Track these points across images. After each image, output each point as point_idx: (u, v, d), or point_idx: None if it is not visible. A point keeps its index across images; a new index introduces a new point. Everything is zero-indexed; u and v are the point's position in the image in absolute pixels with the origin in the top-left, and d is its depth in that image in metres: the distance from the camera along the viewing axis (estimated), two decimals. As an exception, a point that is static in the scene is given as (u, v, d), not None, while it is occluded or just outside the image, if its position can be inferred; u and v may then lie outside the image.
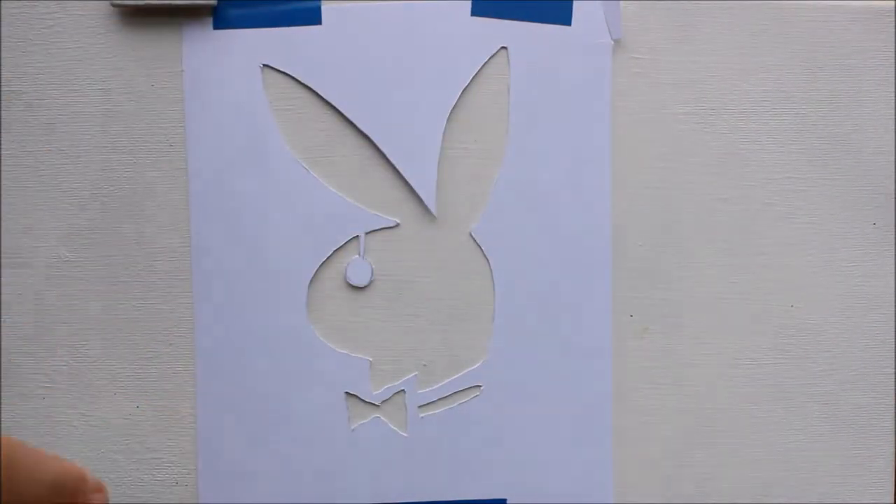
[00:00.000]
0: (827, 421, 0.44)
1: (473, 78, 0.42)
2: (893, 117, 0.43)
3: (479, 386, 0.43)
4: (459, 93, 0.42)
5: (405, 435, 0.43)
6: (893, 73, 0.43)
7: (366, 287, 0.43)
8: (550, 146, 0.42)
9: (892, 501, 0.45)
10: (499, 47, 0.42)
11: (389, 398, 0.43)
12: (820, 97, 0.43)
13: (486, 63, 0.42)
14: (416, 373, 0.43)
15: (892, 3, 0.43)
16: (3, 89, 0.42)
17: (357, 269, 0.43)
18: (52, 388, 0.43)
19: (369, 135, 0.42)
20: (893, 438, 0.44)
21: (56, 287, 0.42)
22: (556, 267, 0.43)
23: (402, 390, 0.43)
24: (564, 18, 0.42)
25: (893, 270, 0.44)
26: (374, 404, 0.43)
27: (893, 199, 0.43)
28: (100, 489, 0.29)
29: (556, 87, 0.42)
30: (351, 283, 0.43)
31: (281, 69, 0.42)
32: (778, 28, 0.43)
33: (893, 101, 0.43)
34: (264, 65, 0.42)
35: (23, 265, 0.42)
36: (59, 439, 0.43)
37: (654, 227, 0.43)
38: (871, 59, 0.43)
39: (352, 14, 0.42)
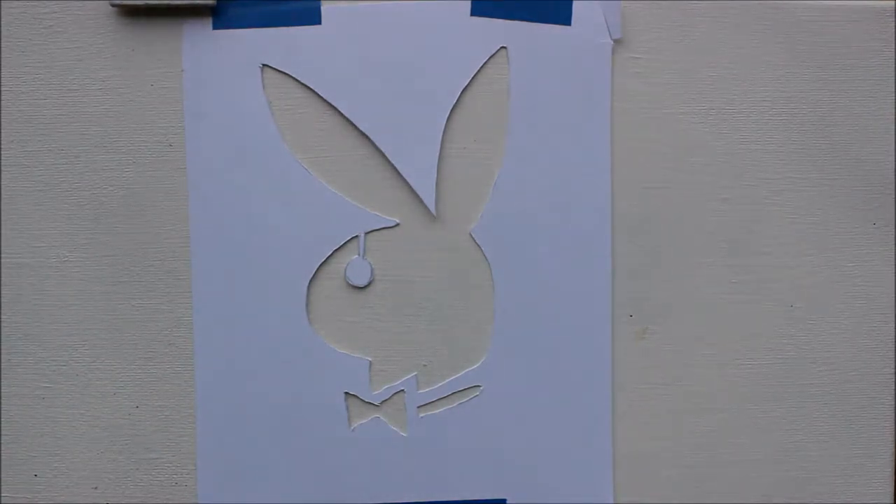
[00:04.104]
0: (827, 421, 0.44)
1: (473, 78, 0.42)
2: (893, 117, 0.43)
3: (479, 386, 0.43)
4: (459, 93, 0.42)
5: (405, 435, 0.43)
6: (893, 73, 0.43)
7: (366, 287, 0.43)
8: (550, 146, 0.42)
9: (893, 501, 0.45)
10: (499, 47, 0.42)
11: (389, 398, 0.43)
12: (820, 97, 0.43)
13: (486, 63, 0.42)
14: (416, 373, 0.43)
15: (892, 3, 0.43)
16: (3, 89, 0.42)
17: (357, 269, 0.43)
18: (52, 388, 0.43)
19: (369, 135, 0.42)
20: (893, 438, 0.44)
21: (56, 287, 0.42)
22: (556, 267, 0.43)
23: (402, 390, 0.43)
24: (564, 18, 0.42)
25: (893, 270, 0.44)
26: (373, 404, 0.43)
27: (893, 199, 0.43)
28: None
29: (556, 87, 0.42)
30: (351, 283, 0.43)
31: (281, 69, 0.42)
32: (778, 28, 0.43)
33: (893, 101, 0.43)
34: (264, 65, 0.42)
35: (23, 265, 0.42)
36: (58, 439, 0.43)
37: (655, 226, 0.43)
38: (871, 59, 0.43)
39: (352, 14, 0.42)
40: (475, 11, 0.42)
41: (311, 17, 0.42)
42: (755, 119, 0.43)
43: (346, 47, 0.42)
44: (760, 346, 0.44)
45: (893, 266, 0.44)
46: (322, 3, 0.42)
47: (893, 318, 0.44)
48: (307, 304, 0.43)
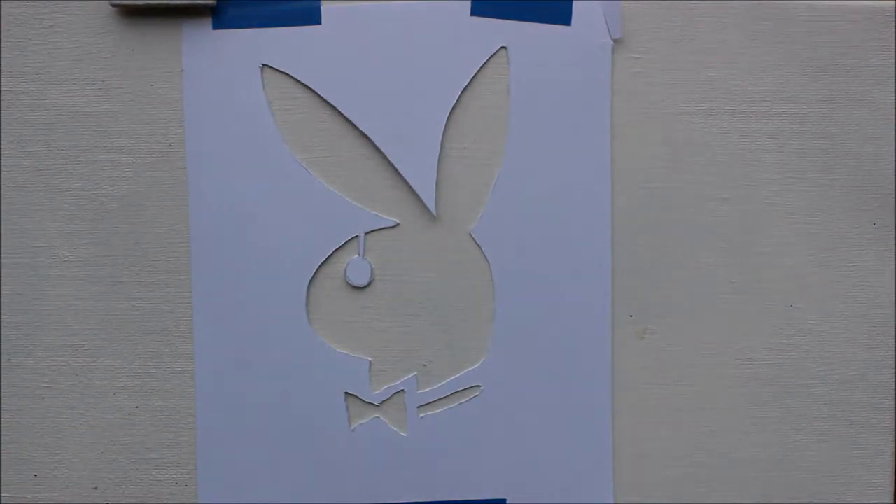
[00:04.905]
0: (827, 421, 0.44)
1: (473, 78, 0.42)
2: (893, 117, 0.43)
3: (479, 386, 0.43)
4: (459, 93, 0.42)
5: (405, 435, 0.43)
6: (893, 73, 0.43)
7: (366, 287, 0.43)
8: (550, 146, 0.42)
9: (893, 501, 0.45)
10: (499, 47, 0.42)
11: (389, 398, 0.43)
12: (820, 97, 0.43)
13: (486, 63, 0.42)
14: (416, 373, 0.43)
15: (892, 3, 0.43)
16: (3, 89, 0.42)
17: (357, 269, 0.43)
18: (52, 388, 0.43)
19: (369, 135, 0.42)
20: (893, 438, 0.44)
21: (56, 287, 0.42)
22: (556, 267, 0.43)
23: (402, 390, 0.43)
24: (564, 18, 0.42)
25: (893, 270, 0.44)
26: (373, 404, 0.43)
27: (893, 199, 0.44)
28: None
29: (556, 87, 0.42)
30: (351, 283, 0.43)
31: (281, 69, 0.42)
32: (778, 28, 0.43)
33: (893, 101, 0.43)
34: (264, 65, 0.42)
35: (23, 265, 0.42)
36: (58, 439, 0.43)
37: (654, 227, 0.43)
38: (871, 59, 0.43)
39: (352, 14, 0.42)
40: (475, 11, 0.42)
41: (311, 17, 0.42)
42: (755, 119, 0.43)
43: (346, 47, 0.42)
44: (760, 346, 0.44)
45: (893, 266, 0.44)
46: (322, 3, 0.42)
47: (893, 318, 0.44)
48: (307, 304, 0.43)
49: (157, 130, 0.42)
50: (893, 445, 0.44)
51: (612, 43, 0.42)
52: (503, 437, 0.43)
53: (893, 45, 0.43)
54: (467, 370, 0.43)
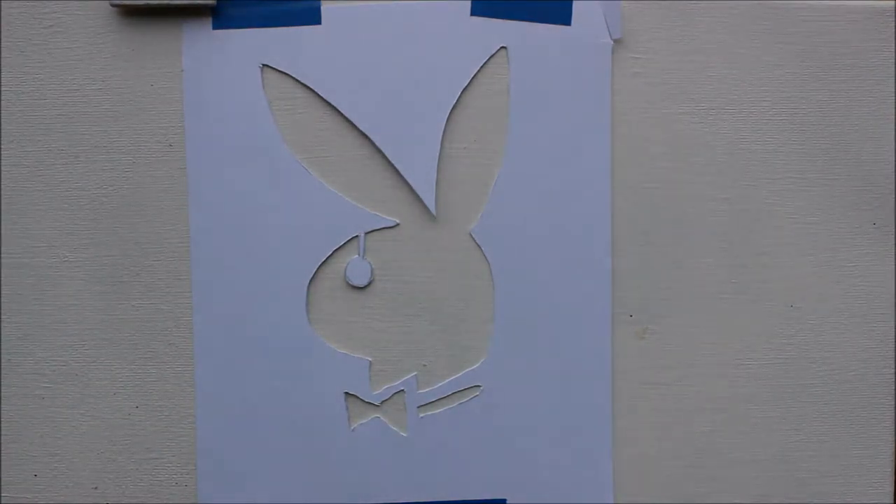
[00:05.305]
0: (827, 421, 0.44)
1: (473, 78, 0.42)
2: (893, 117, 0.43)
3: (479, 386, 0.43)
4: (459, 93, 0.42)
5: (405, 435, 0.43)
6: (893, 73, 0.43)
7: (366, 287, 0.43)
8: (550, 146, 0.42)
9: (893, 502, 0.45)
10: (499, 47, 0.42)
11: (389, 398, 0.43)
12: (820, 97, 0.43)
13: (486, 63, 0.42)
14: (416, 373, 0.43)
15: (892, 3, 0.43)
16: (3, 89, 0.42)
17: (357, 268, 0.43)
18: (52, 388, 0.43)
19: (369, 135, 0.42)
20: (893, 438, 0.44)
21: (56, 287, 0.42)
22: (556, 267, 0.43)
23: (402, 390, 0.43)
24: (564, 18, 0.42)
25: (893, 270, 0.44)
26: (373, 404, 0.43)
27: (893, 199, 0.43)
28: None
29: (556, 87, 0.42)
30: (351, 283, 0.43)
31: (281, 69, 0.42)
32: (778, 28, 0.43)
33: (893, 101, 0.43)
34: (264, 65, 0.42)
35: (23, 265, 0.42)
36: (58, 439, 0.43)
37: (654, 226, 0.43)
38: (871, 59, 0.43)
39: (352, 14, 0.42)
40: (475, 11, 0.42)
41: (311, 17, 0.42)
42: (755, 119, 0.43)
43: (346, 47, 0.42)
44: (760, 346, 0.44)
45: (893, 266, 0.44)
46: (322, 3, 0.42)
47: (893, 318, 0.44)
48: (307, 304, 0.43)
49: (157, 130, 0.42)
50: (893, 445, 0.44)
51: (612, 43, 0.42)
52: (503, 437, 0.43)
53: (893, 45, 0.43)
54: (467, 370, 0.43)
